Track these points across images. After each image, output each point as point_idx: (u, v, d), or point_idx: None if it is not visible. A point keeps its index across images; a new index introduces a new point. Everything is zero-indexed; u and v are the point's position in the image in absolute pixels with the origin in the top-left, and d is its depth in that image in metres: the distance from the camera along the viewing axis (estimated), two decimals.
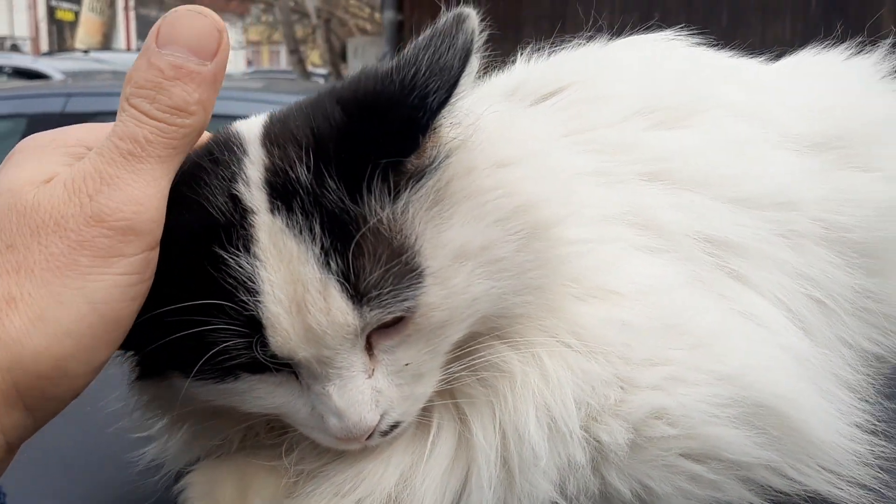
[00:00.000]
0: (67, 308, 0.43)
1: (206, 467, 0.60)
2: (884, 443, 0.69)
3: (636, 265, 0.62)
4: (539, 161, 0.58)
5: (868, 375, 0.74)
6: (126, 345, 0.49)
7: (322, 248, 0.48)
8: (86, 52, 13.25)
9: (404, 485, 0.55)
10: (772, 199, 0.71)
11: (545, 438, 0.54)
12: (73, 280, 0.44)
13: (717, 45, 0.84)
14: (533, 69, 0.78)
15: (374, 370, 0.52)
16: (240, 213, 0.49)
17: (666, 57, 0.80)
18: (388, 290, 0.49)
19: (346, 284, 0.48)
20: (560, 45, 0.80)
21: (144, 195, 0.46)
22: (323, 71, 16.95)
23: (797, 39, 0.91)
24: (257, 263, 0.48)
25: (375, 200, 0.50)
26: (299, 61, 14.54)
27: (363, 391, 0.51)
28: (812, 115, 0.77)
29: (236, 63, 25.64)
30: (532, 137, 0.61)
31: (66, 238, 0.44)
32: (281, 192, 0.49)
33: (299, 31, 15.52)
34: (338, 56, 14.79)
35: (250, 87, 5.18)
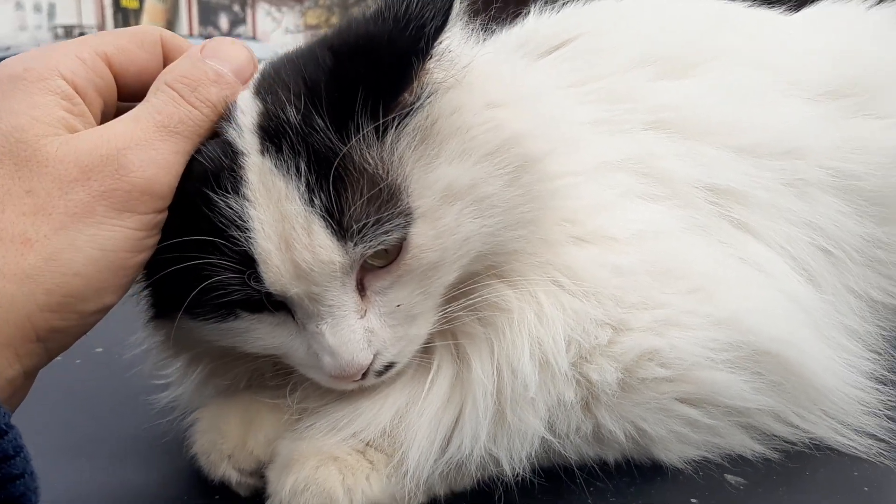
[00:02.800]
0: (79, 251, 0.46)
1: (214, 404, 0.63)
2: (890, 393, 0.68)
3: (634, 210, 0.62)
4: (530, 103, 0.59)
5: (878, 326, 0.73)
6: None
7: (307, 185, 0.49)
8: None
9: (399, 420, 0.56)
10: (778, 147, 0.70)
11: (536, 373, 0.55)
12: (87, 227, 0.47)
13: None
14: (543, 22, 0.78)
15: (366, 311, 0.53)
16: (230, 158, 0.51)
17: (678, 8, 0.80)
18: (371, 225, 0.50)
19: (330, 220, 0.50)
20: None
21: (166, 161, 0.49)
22: None
23: None
24: (246, 203, 0.50)
25: (363, 139, 0.50)
26: None
27: (355, 330, 0.52)
28: (825, 62, 0.76)
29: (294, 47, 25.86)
30: (527, 83, 0.62)
31: (88, 188, 0.47)
32: (272, 135, 0.50)
33: (356, 14, 15.57)
34: None
35: None
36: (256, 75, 0.56)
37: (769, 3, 0.85)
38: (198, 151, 0.52)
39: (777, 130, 0.70)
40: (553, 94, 0.66)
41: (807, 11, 0.86)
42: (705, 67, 0.73)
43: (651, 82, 0.71)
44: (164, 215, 0.50)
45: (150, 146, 0.49)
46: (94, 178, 0.47)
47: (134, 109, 0.52)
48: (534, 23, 0.79)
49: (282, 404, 0.60)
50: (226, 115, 0.53)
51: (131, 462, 0.65)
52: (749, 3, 0.84)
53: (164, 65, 0.55)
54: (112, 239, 0.47)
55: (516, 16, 0.82)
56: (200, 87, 0.52)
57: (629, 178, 0.64)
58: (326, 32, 0.57)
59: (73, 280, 0.46)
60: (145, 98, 0.52)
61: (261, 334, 0.55)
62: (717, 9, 0.81)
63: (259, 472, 0.59)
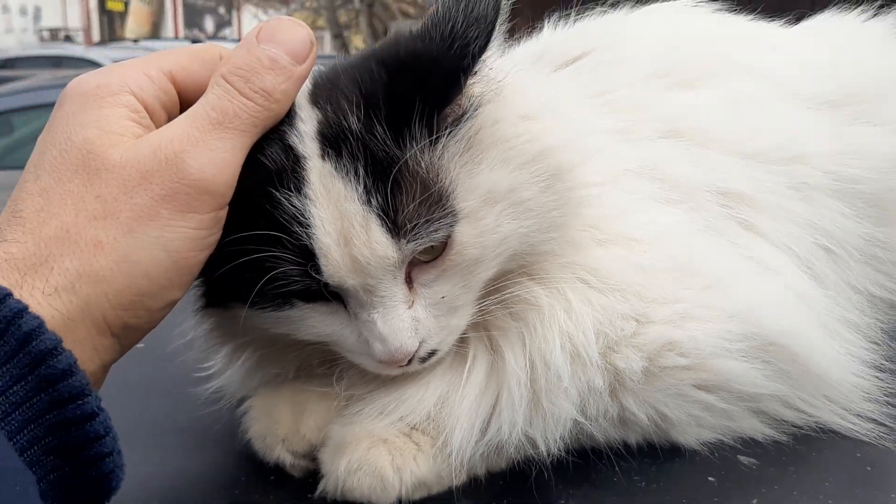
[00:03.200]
0: (146, 253, 0.50)
1: (266, 393, 0.68)
2: (889, 381, 0.73)
3: (652, 214, 0.67)
4: (559, 116, 0.64)
5: (877, 319, 0.79)
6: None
7: (365, 187, 0.54)
8: (135, 41, 13.52)
9: (442, 405, 0.61)
10: (783, 153, 0.75)
11: (568, 363, 0.59)
12: (153, 229, 0.51)
13: (737, 9, 0.89)
14: (558, 35, 0.83)
15: (413, 302, 0.58)
16: (292, 160, 0.56)
17: (685, 22, 0.85)
18: (422, 223, 0.55)
19: (385, 219, 0.55)
20: (584, 13, 0.85)
21: (224, 160, 0.53)
22: None
23: (818, 2, 0.95)
24: (308, 202, 0.55)
25: (416, 145, 0.55)
26: (343, 46, 14.64)
27: (404, 319, 0.57)
28: (825, 74, 0.81)
29: None
30: (553, 96, 0.67)
31: (150, 192, 0.51)
32: (332, 141, 0.55)
33: (342, 16, 15.63)
34: (381, 39, 14.86)
35: None
36: (309, 84, 0.60)
37: (770, 16, 0.90)
38: (260, 152, 0.56)
39: (781, 138, 0.76)
40: (575, 105, 0.71)
41: (806, 24, 0.91)
42: (713, 79, 0.78)
43: (663, 93, 0.76)
44: (225, 211, 0.54)
45: (207, 146, 0.52)
46: (154, 182, 0.51)
47: (192, 107, 0.54)
48: (549, 36, 0.84)
49: (330, 392, 0.65)
50: (285, 121, 0.57)
51: (186, 450, 0.69)
52: (752, 16, 0.89)
53: None
54: (176, 240, 0.51)
55: (532, 29, 0.87)
56: (254, 77, 0.54)
57: (647, 184, 0.69)
58: (376, 47, 0.61)
59: (141, 281, 0.51)
60: (204, 94, 0.55)
61: (314, 322, 0.59)
62: (720, 22, 0.87)
63: (311, 455, 0.64)
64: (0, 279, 0.48)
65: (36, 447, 0.46)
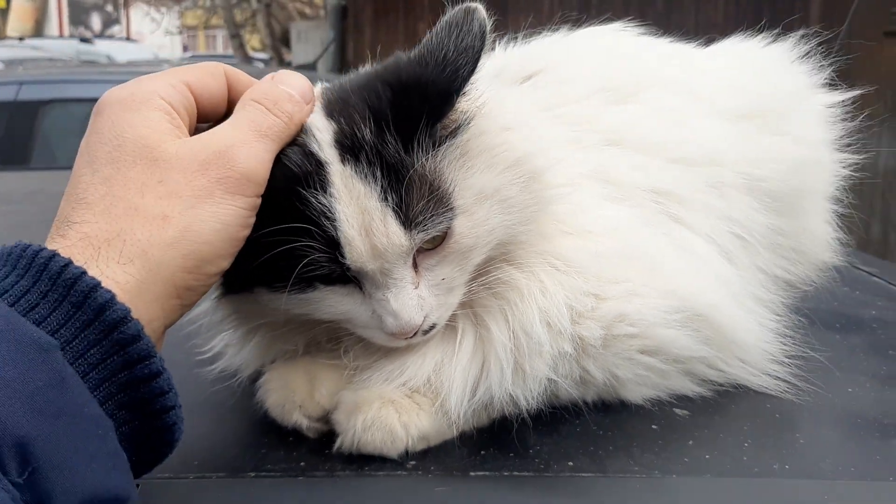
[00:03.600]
0: (206, 224, 0.60)
1: (280, 367, 0.78)
2: (790, 345, 0.89)
3: (603, 210, 0.81)
4: (529, 127, 0.76)
5: (779, 296, 0.95)
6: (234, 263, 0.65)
7: (382, 187, 0.66)
8: (21, 39, 13.02)
9: (438, 371, 0.73)
10: (704, 157, 0.90)
11: (546, 333, 0.72)
12: (210, 206, 0.61)
13: (654, 30, 1.03)
14: (511, 55, 0.96)
15: (419, 283, 0.70)
16: (315, 165, 0.66)
17: (616, 44, 0.99)
18: (429, 217, 0.67)
19: (400, 213, 0.66)
20: (531, 35, 0.98)
21: (261, 157, 0.64)
22: (263, 56, 16.89)
23: (729, 23, 1.10)
24: (333, 200, 0.65)
25: (422, 152, 0.67)
26: (240, 46, 14.46)
27: (412, 297, 0.69)
28: (735, 91, 0.97)
29: (172, 48, 25.23)
30: (522, 110, 0.79)
31: (207, 176, 0.61)
32: (349, 149, 0.66)
33: (238, 16, 15.43)
34: (279, 41, 14.76)
35: None
36: (322, 101, 0.71)
37: (686, 39, 1.05)
38: (284, 157, 0.66)
39: (702, 144, 0.90)
40: (537, 118, 0.84)
41: (717, 46, 1.07)
42: (644, 95, 0.92)
43: (604, 108, 0.90)
44: (259, 201, 0.64)
45: (250, 145, 0.64)
46: (210, 169, 0.62)
47: (229, 120, 0.66)
48: (503, 56, 0.97)
49: (338, 363, 0.76)
50: (302, 132, 0.68)
51: (210, 420, 0.78)
52: (671, 39, 1.04)
53: (229, 92, 0.70)
54: (228, 215, 0.61)
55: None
56: (280, 103, 0.67)
57: (598, 186, 0.82)
58: (379, 70, 0.72)
59: (202, 247, 0.60)
60: (234, 112, 0.67)
61: (333, 302, 0.70)
62: (646, 44, 1.01)
63: (324, 419, 0.75)
64: (77, 255, 0.57)
65: (110, 402, 0.55)
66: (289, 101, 0.68)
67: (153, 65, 7.18)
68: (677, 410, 0.82)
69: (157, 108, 0.64)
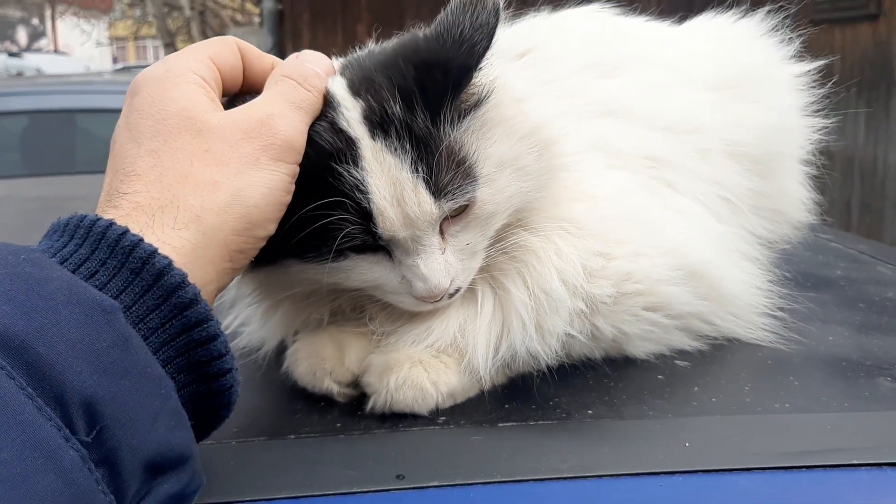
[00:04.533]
0: (255, 188, 0.63)
1: (308, 336, 0.81)
2: (775, 299, 0.95)
3: (605, 177, 0.86)
4: (536, 98, 0.81)
5: (764, 254, 1.01)
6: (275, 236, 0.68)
7: (412, 159, 0.69)
8: None
9: (462, 332, 0.77)
10: (688, 125, 0.95)
11: (565, 292, 0.76)
12: (257, 171, 0.63)
13: (629, 10, 1.09)
14: (502, 35, 1.00)
15: (445, 248, 0.73)
16: (345, 142, 0.69)
17: (598, 23, 1.04)
18: (456, 187, 0.70)
19: (430, 183, 0.69)
20: (514, 18, 1.02)
21: (299, 127, 0.67)
22: None
23: (698, 3, 1.16)
24: (364, 173, 0.69)
25: (448, 125, 0.71)
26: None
27: (440, 262, 0.72)
28: (711, 64, 1.03)
29: (102, 60, 24.72)
30: (527, 82, 0.84)
31: (252, 144, 0.64)
32: (378, 124, 0.69)
33: (170, 24, 15.22)
34: None
35: (126, 79, 5.32)
36: (345, 81, 0.74)
37: (661, 16, 1.11)
38: (315, 134, 0.69)
39: (685, 113, 0.96)
40: (538, 91, 0.88)
41: (691, 23, 1.13)
42: (628, 69, 0.98)
43: (592, 82, 0.95)
44: (298, 168, 0.67)
45: (287, 115, 0.67)
46: (254, 137, 0.64)
47: (263, 94, 0.69)
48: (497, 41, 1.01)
49: (364, 331, 0.79)
50: (330, 109, 0.71)
51: (245, 391, 0.79)
52: (647, 16, 1.10)
53: (243, 63, 0.73)
54: (274, 180, 0.64)
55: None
56: (309, 79, 0.70)
57: (598, 154, 0.87)
58: (397, 47, 0.75)
59: (252, 210, 0.63)
60: (266, 88, 0.70)
61: (363, 270, 0.73)
62: (624, 23, 1.06)
63: (354, 384, 0.78)
64: (132, 224, 0.58)
65: (169, 366, 0.57)
66: (316, 77, 0.71)
67: (85, 76, 7.06)
68: (678, 362, 0.87)
69: (192, 82, 0.66)
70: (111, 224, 0.57)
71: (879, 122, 4.94)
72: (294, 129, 0.66)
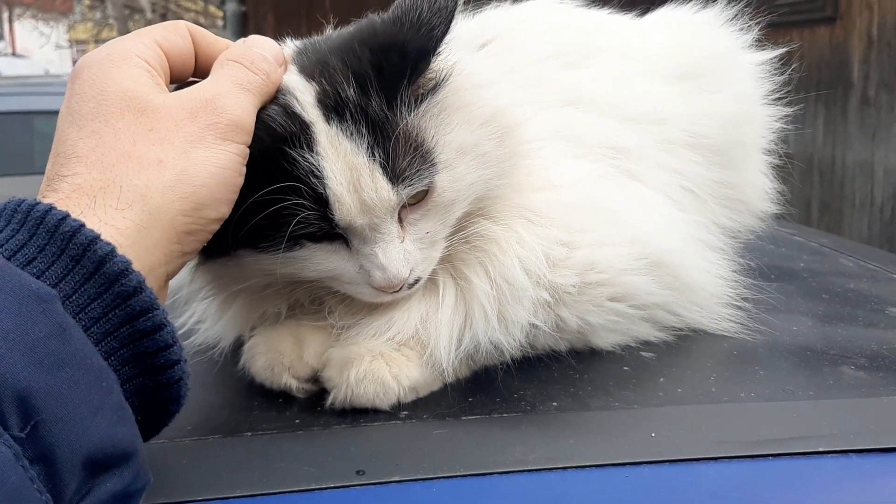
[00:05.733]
0: (201, 167, 0.61)
1: (265, 331, 0.78)
2: (739, 289, 0.95)
3: (568, 165, 0.84)
4: (498, 85, 0.79)
5: (727, 244, 1.01)
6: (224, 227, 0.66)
7: (368, 144, 0.67)
8: None
9: (424, 324, 0.75)
10: (650, 116, 0.95)
11: (527, 281, 0.75)
12: (203, 150, 0.61)
13: (592, 4, 1.08)
14: (465, 25, 0.98)
15: (404, 237, 0.72)
16: (298, 125, 0.67)
17: (561, 15, 1.03)
18: (414, 172, 0.69)
19: (387, 168, 0.68)
20: (475, 8, 1.01)
21: (247, 107, 0.65)
22: None
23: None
24: (319, 158, 0.67)
25: (405, 109, 0.69)
26: None
27: (399, 250, 0.71)
28: (673, 55, 1.02)
29: (62, 63, 24.34)
30: (489, 70, 0.82)
31: (197, 123, 0.62)
32: (333, 108, 0.68)
33: (132, 27, 15.04)
34: None
35: None
36: (296, 63, 0.72)
37: (621, 9, 1.11)
38: (268, 118, 0.67)
39: (648, 105, 0.95)
40: (500, 79, 0.86)
41: (652, 15, 1.13)
42: (592, 60, 0.97)
43: (557, 72, 0.94)
44: (248, 150, 0.65)
45: (234, 95, 0.65)
46: (199, 117, 0.62)
47: (209, 77, 0.67)
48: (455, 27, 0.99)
49: (323, 324, 0.77)
50: (282, 93, 0.69)
51: (198, 387, 0.77)
52: (608, 9, 1.09)
53: (195, 49, 0.70)
54: (222, 159, 0.62)
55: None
56: (256, 63, 0.68)
57: (561, 143, 0.86)
58: (353, 31, 0.73)
59: (200, 190, 0.61)
60: (213, 71, 0.68)
61: (320, 259, 0.71)
62: (588, 15, 1.06)
63: (313, 379, 0.76)
64: (73, 207, 0.56)
65: (113, 357, 0.54)
66: (264, 61, 0.69)
67: (44, 78, 6.95)
68: (644, 353, 0.86)
69: (136, 65, 0.64)
70: (50, 208, 0.54)
71: (837, 123, 5.01)
72: (241, 109, 0.64)
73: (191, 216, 0.60)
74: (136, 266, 0.55)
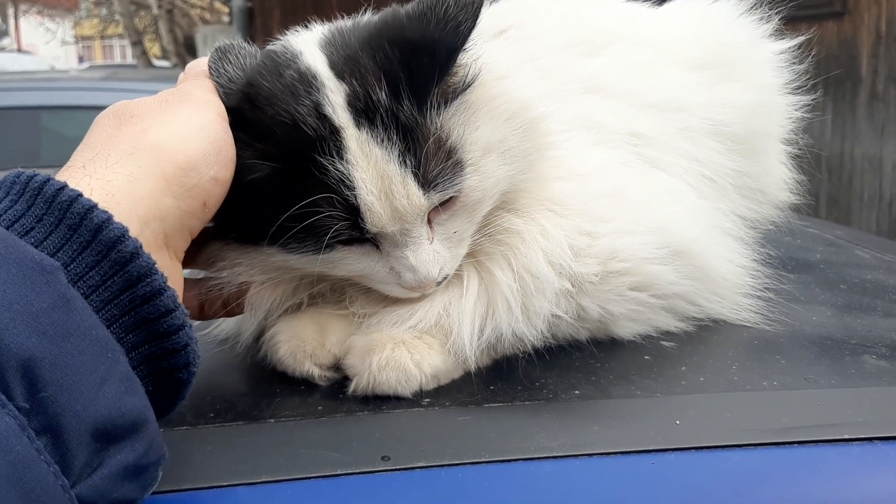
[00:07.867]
0: (187, 126, 0.63)
1: (288, 319, 0.78)
2: (760, 279, 0.94)
3: (590, 154, 0.84)
4: (520, 75, 0.79)
5: (748, 234, 1.00)
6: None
7: (399, 151, 0.67)
8: None
9: (447, 312, 0.75)
10: (671, 104, 0.94)
11: (552, 272, 0.74)
12: (184, 114, 0.65)
13: None
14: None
15: (433, 238, 0.72)
16: (329, 130, 0.66)
17: (579, 4, 1.03)
18: (444, 177, 0.68)
19: (418, 175, 0.67)
20: None
21: (207, 91, 0.69)
22: (166, 63, 16.49)
23: None
24: (350, 168, 0.66)
25: (434, 112, 0.68)
26: (143, 53, 14.09)
27: (429, 252, 0.71)
28: (692, 44, 1.02)
29: (68, 59, 24.41)
30: (509, 60, 0.82)
31: (170, 101, 0.66)
32: (363, 112, 0.67)
33: (138, 23, 15.05)
34: (182, 46, 14.46)
35: (93, 76, 5.32)
36: (326, 57, 0.70)
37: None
38: (299, 118, 0.66)
39: (668, 92, 0.95)
40: (521, 68, 0.86)
41: (668, 5, 1.12)
42: (611, 49, 0.96)
43: (577, 60, 0.93)
44: (225, 114, 0.67)
45: (196, 89, 0.69)
46: (171, 98, 0.67)
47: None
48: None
49: (345, 313, 0.77)
50: (314, 89, 0.67)
51: (223, 372, 0.79)
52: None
53: None
54: (205, 120, 0.65)
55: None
56: (198, 79, 0.72)
57: (583, 131, 0.85)
58: (381, 25, 0.72)
59: (188, 146, 0.63)
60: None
61: (351, 261, 0.72)
62: (607, 4, 1.06)
63: (335, 366, 0.76)
64: (68, 180, 0.56)
65: (116, 325, 0.54)
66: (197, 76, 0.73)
67: (50, 73, 6.98)
68: (665, 343, 0.86)
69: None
70: (48, 179, 0.55)
71: (846, 118, 5.00)
72: (204, 90, 0.69)
73: (183, 168, 0.61)
74: (129, 215, 0.56)
